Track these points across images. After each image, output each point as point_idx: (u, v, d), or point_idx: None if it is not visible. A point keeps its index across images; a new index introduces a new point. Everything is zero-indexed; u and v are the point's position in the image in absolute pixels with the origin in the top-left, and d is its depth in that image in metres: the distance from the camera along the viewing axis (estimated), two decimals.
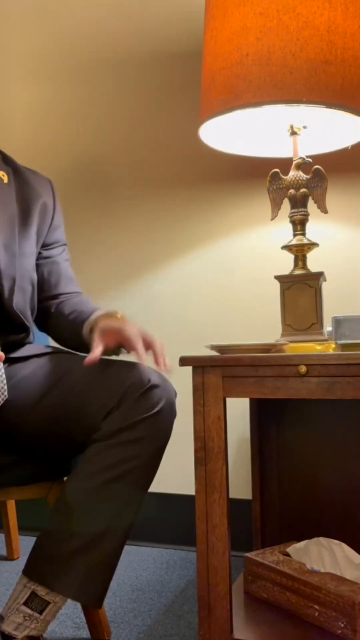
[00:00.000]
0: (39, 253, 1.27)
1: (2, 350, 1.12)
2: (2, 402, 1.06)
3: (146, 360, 1.01)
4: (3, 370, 1.07)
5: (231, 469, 1.65)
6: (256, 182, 1.65)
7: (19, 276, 1.17)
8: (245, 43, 1.17)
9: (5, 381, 1.07)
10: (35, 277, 1.24)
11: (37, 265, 1.26)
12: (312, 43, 1.14)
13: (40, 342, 1.32)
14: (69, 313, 1.22)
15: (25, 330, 1.20)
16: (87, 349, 1.14)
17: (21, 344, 1.20)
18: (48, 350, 1.20)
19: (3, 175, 1.20)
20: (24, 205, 1.22)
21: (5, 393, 1.06)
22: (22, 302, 1.19)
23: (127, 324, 1.05)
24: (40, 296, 1.27)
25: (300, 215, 1.23)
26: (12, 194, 1.20)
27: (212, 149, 1.42)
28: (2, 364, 1.07)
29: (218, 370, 1.02)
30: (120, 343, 1.05)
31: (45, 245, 1.28)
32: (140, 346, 1.02)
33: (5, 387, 1.07)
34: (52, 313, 1.27)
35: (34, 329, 1.25)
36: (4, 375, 1.07)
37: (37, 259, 1.26)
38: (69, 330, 1.20)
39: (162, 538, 1.72)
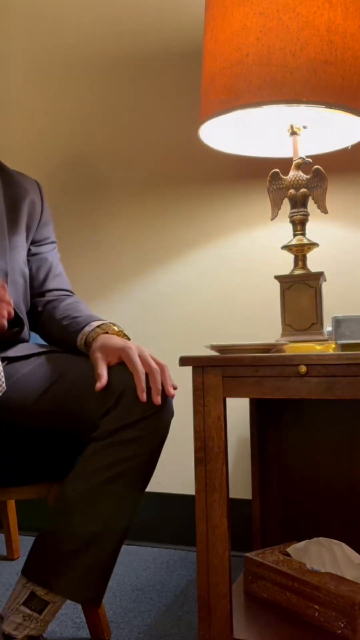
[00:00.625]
0: (29, 250, 1.27)
1: (2, 343, 1.11)
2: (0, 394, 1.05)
3: (144, 383, 1.01)
4: (1, 364, 1.07)
5: (231, 469, 1.65)
6: (256, 182, 1.65)
7: (10, 270, 1.17)
8: (245, 43, 1.17)
9: (2, 373, 1.06)
10: (26, 270, 1.24)
11: (27, 262, 1.26)
12: (312, 43, 1.14)
13: (35, 338, 1.31)
14: (60, 317, 1.21)
15: (20, 324, 1.19)
16: (79, 354, 1.15)
17: (16, 339, 1.19)
18: (47, 349, 1.20)
19: None
20: (12, 203, 1.23)
21: (4, 385, 1.05)
22: (15, 295, 1.19)
23: (129, 346, 1.05)
24: (29, 293, 1.26)
25: (300, 215, 1.23)
26: (0, 194, 1.21)
27: (212, 149, 1.42)
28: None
29: (218, 370, 1.02)
30: (121, 360, 1.06)
31: (34, 242, 1.28)
32: (142, 375, 1.01)
33: (3, 380, 1.06)
34: (40, 312, 1.26)
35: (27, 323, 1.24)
36: (1, 368, 1.06)
37: (27, 255, 1.26)
38: (61, 336, 1.20)
39: (162, 538, 1.72)
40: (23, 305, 1.22)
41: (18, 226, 1.22)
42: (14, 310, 1.17)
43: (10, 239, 1.19)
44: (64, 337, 1.18)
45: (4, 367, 1.13)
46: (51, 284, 1.28)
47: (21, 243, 1.23)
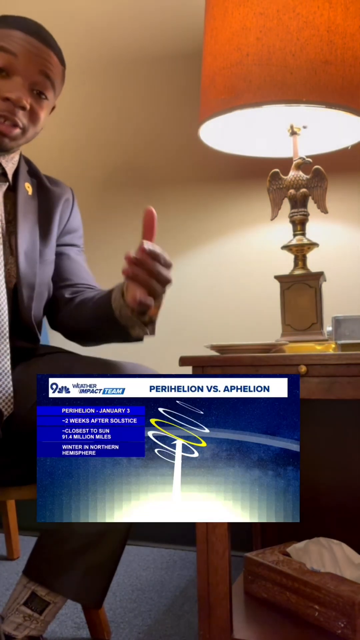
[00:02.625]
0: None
1: (12, 356, 1.10)
2: (8, 414, 1.05)
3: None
4: (10, 382, 1.06)
5: None
6: (256, 182, 1.65)
7: (39, 283, 1.16)
8: (245, 43, 1.17)
9: (12, 393, 1.06)
10: (51, 284, 1.22)
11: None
12: (312, 43, 1.14)
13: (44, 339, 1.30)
14: (91, 297, 1.16)
15: (35, 339, 1.18)
16: (111, 329, 1.08)
17: (29, 352, 1.18)
18: (50, 350, 1.20)
19: (28, 187, 1.20)
20: (46, 215, 1.22)
21: (12, 406, 1.05)
22: (38, 310, 1.17)
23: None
24: (55, 286, 1.22)
25: (300, 215, 1.23)
26: (35, 206, 1.20)
27: (212, 149, 1.42)
28: (10, 378, 1.06)
29: (218, 370, 1.02)
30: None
31: (57, 246, 1.25)
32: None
33: (12, 400, 1.06)
34: (68, 300, 1.20)
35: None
36: (11, 391, 1.06)
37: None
38: (95, 306, 1.13)
39: (162, 538, 1.72)
40: (42, 318, 1.20)
41: (49, 239, 1.21)
42: (34, 325, 1.15)
43: (41, 252, 1.18)
44: (97, 305, 1.11)
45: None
46: (80, 278, 1.24)
47: (51, 257, 1.22)
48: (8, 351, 1.07)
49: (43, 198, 1.23)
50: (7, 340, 1.07)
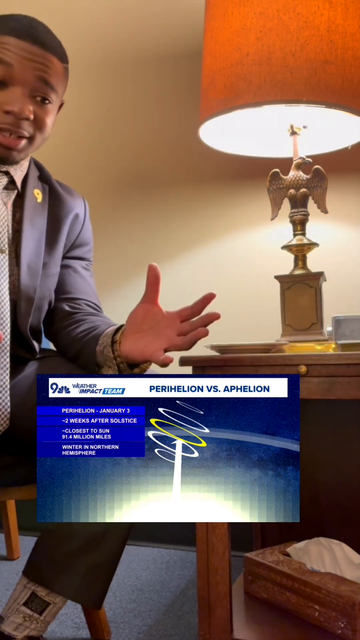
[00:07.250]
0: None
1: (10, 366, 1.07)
2: (3, 430, 1.04)
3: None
4: (8, 397, 1.05)
5: None
6: (256, 182, 1.65)
7: (39, 297, 1.12)
8: (245, 43, 1.17)
9: (9, 409, 1.04)
10: (53, 295, 1.18)
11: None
12: (312, 43, 1.14)
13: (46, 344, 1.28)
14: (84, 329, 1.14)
15: (32, 350, 1.15)
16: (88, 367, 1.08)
17: (26, 362, 1.16)
18: (48, 353, 1.19)
19: (37, 193, 1.15)
20: (54, 225, 1.17)
21: (8, 422, 1.04)
22: (36, 321, 1.14)
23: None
24: (56, 297, 1.20)
25: (300, 215, 1.23)
26: (44, 214, 1.16)
27: (212, 149, 1.42)
28: (8, 393, 1.05)
29: (218, 371, 1.02)
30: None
31: (65, 258, 1.22)
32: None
33: (8, 416, 1.04)
34: (66, 314, 1.19)
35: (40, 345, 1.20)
36: (8, 402, 1.05)
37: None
38: (78, 345, 1.12)
39: (162, 538, 1.72)
40: (38, 326, 1.17)
41: (56, 251, 1.17)
42: (30, 338, 1.12)
43: (45, 264, 1.14)
44: (81, 346, 1.11)
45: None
46: (79, 293, 1.22)
47: (55, 269, 1.18)
48: (8, 365, 1.05)
49: (54, 206, 1.18)
50: (8, 354, 1.05)
